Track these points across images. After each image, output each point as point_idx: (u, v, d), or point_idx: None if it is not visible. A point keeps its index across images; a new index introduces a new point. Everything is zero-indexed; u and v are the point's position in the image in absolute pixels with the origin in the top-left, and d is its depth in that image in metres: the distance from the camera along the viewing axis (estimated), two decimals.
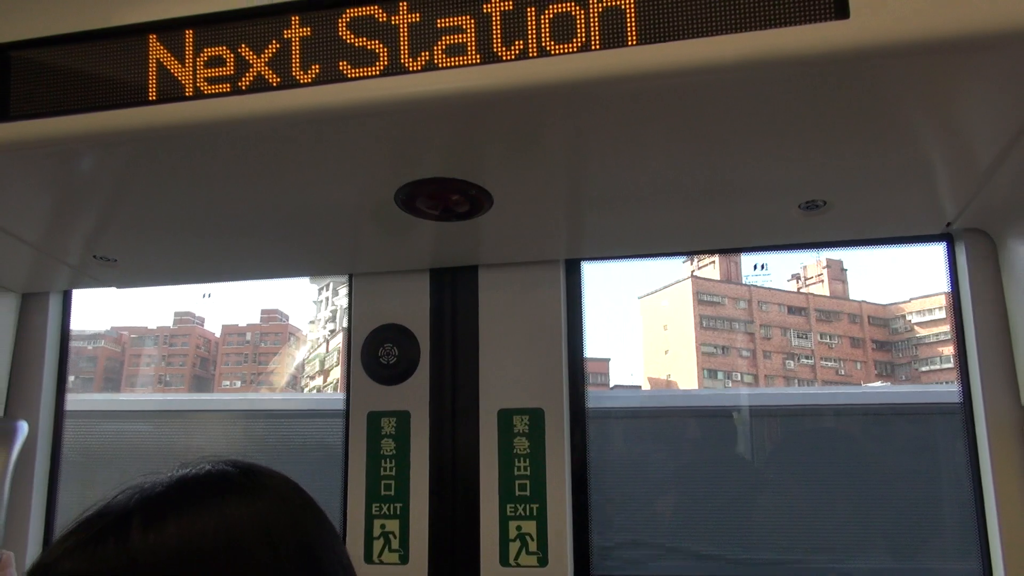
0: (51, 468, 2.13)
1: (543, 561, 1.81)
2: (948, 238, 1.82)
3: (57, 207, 1.62)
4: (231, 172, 1.45)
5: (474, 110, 1.22)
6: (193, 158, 1.39)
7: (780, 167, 1.43)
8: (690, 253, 1.95)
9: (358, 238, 1.83)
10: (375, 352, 1.97)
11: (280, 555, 0.80)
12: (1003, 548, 1.67)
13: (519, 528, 1.83)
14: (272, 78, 1.24)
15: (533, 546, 1.82)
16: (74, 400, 2.25)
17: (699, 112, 1.23)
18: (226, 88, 1.25)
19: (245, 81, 1.24)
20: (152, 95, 1.28)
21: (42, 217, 1.67)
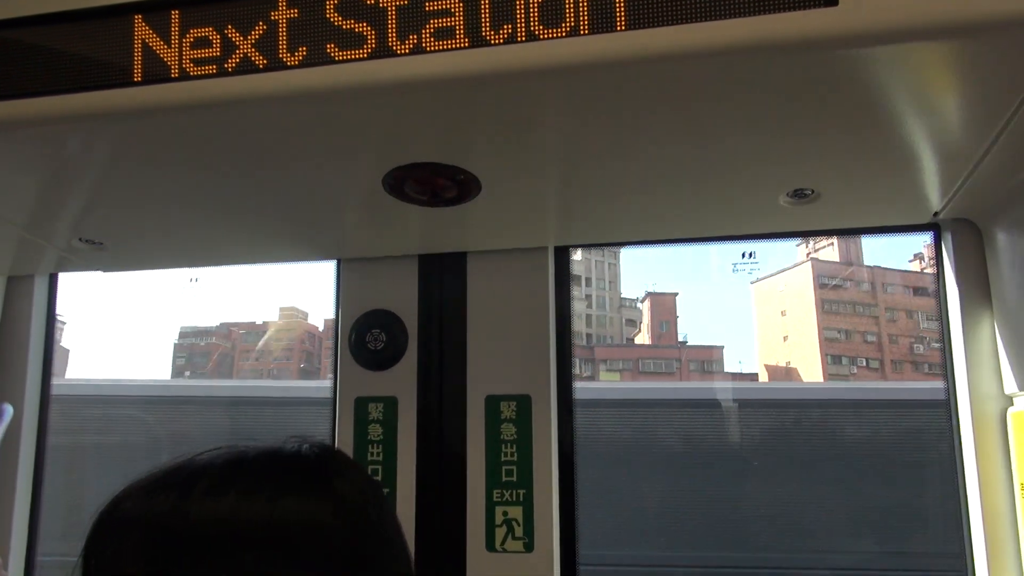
0: (36, 451, 2.13)
1: (529, 546, 1.82)
2: (935, 228, 1.83)
3: (42, 189, 1.61)
4: (217, 155, 1.44)
5: (462, 94, 1.22)
6: (179, 141, 1.38)
7: (768, 155, 1.43)
8: (680, 241, 1.95)
9: (346, 223, 1.82)
10: (363, 338, 1.97)
11: (318, 556, 0.80)
12: (985, 539, 1.69)
13: (505, 513, 1.84)
14: (259, 60, 1.23)
15: (519, 531, 1.83)
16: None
17: (688, 99, 1.23)
18: (212, 70, 1.24)
19: (231, 63, 1.23)
20: (137, 76, 1.26)
21: (26, 198, 1.66)
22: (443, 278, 1.99)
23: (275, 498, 0.81)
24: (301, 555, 0.78)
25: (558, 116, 1.29)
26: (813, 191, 1.57)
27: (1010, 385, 1.68)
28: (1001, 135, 1.33)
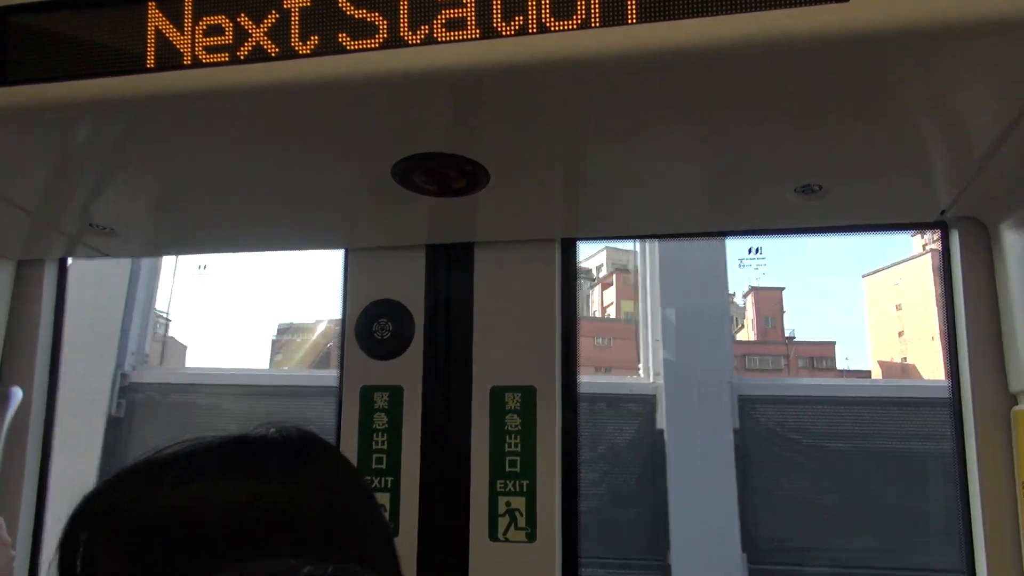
0: (44, 435, 2.14)
1: (532, 536, 1.83)
2: (942, 226, 1.83)
3: (53, 174, 1.62)
4: (227, 143, 1.45)
5: (472, 85, 1.22)
6: (190, 128, 1.38)
7: (777, 150, 1.43)
8: (686, 235, 1.96)
9: (354, 212, 1.83)
10: (369, 327, 1.98)
11: (292, 539, 0.79)
12: (986, 538, 1.69)
13: (508, 504, 1.85)
14: (271, 48, 1.23)
15: (522, 521, 1.84)
16: None
17: (697, 93, 1.23)
18: (224, 57, 1.25)
19: (244, 51, 1.24)
20: (150, 63, 1.27)
21: (37, 184, 1.67)
22: (450, 269, 1.99)
23: (243, 482, 0.80)
24: (274, 537, 0.77)
25: (567, 109, 1.30)
26: (821, 187, 1.57)
27: (1015, 383, 1.69)
28: (1010, 133, 1.33)
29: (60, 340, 2.20)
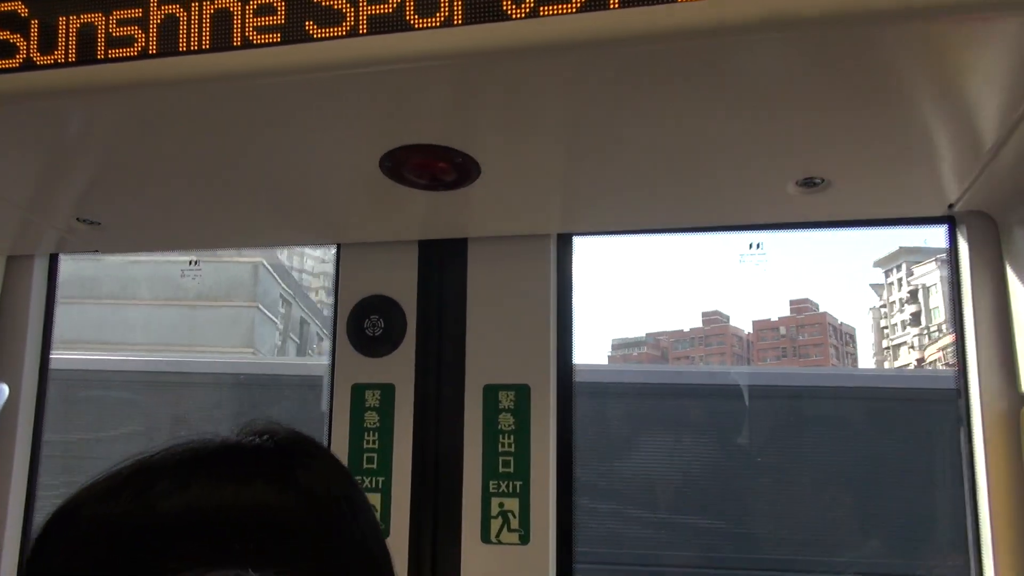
0: (34, 431, 2.11)
1: (525, 538, 1.79)
2: (950, 220, 1.78)
3: (42, 167, 1.60)
4: (216, 134, 1.42)
5: (459, 72, 1.18)
6: (178, 118, 1.35)
7: (777, 141, 1.39)
8: (685, 230, 1.91)
9: (345, 207, 1.79)
10: (360, 323, 1.94)
11: (279, 549, 0.76)
12: (994, 538, 1.65)
13: (501, 505, 1.81)
14: (254, 36, 1.20)
15: (515, 523, 1.80)
16: None
17: (693, 80, 1.19)
18: (208, 45, 1.21)
19: (230, 38, 1.20)
20: (138, 51, 1.24)
21: (27, 177, 1.65)
22: (443, 264, 1.95)
23: (239, 487, 0.78)
24: (265, 544, 0.75)
25: (558, 96, 1.26)
26: (823, 180, 1.53)
27: None
28: (1021, 123, 1.28)
29: (50, 336, 2.17)
